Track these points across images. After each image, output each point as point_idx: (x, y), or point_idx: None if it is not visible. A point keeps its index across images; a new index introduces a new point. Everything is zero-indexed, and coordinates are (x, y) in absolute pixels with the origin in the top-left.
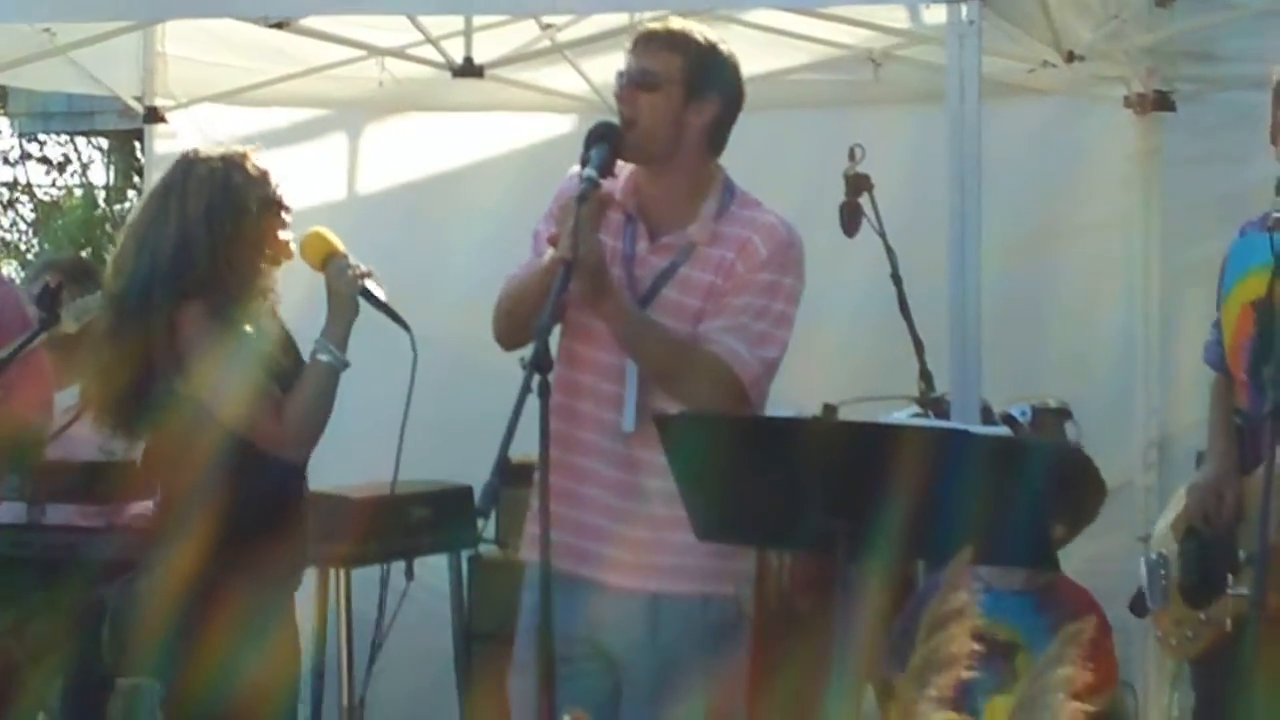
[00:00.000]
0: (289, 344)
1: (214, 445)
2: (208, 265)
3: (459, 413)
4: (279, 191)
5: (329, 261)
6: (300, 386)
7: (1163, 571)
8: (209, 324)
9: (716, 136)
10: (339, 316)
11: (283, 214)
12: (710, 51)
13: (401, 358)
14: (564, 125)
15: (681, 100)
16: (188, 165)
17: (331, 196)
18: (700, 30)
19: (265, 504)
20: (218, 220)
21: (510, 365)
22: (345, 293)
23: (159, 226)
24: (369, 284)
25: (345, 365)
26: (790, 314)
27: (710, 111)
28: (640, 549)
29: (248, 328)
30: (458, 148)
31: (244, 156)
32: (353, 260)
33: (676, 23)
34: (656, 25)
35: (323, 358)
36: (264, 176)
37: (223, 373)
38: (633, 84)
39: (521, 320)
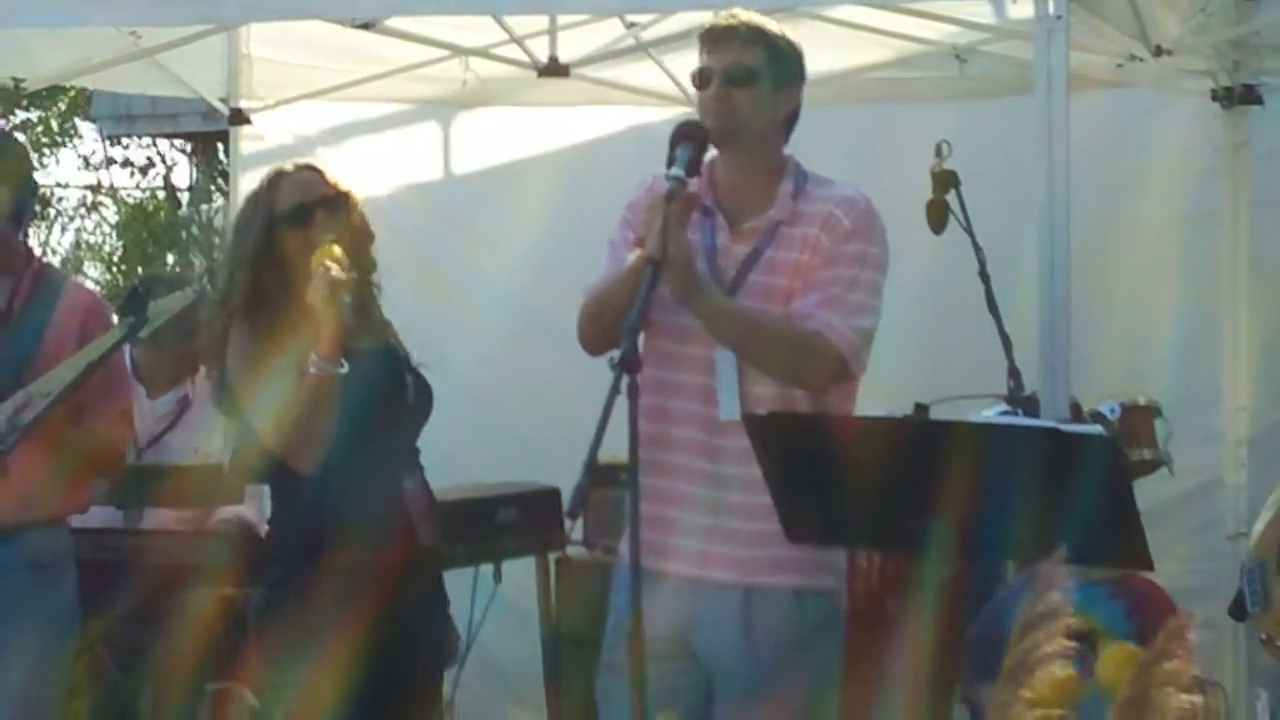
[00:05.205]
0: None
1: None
2: (247, 283)
3: (548, 416)
4: (314, 197)
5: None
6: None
7: (1261, 575)
8: (250, 348)
9: (793, 123)
10: (321, 326)
11: (314, 223)
12: (785, 41)
13: (497, 365)
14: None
15: (772, 92)
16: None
17: (417, 181)
18: (767, 20)
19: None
20: (241, 239)
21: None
22: (313, 301)
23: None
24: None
25: (332, 372)
26: (880, 282)
27: (793, 101)
28: (734, 540)
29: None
30: (546, 139)
31: (289, 168)
32: (334, 271)
33: (743, 15)
34: (729, 20)
35: (311, 369)
36: (293, 182)
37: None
38: (727, 81)
39: (608, 324)
